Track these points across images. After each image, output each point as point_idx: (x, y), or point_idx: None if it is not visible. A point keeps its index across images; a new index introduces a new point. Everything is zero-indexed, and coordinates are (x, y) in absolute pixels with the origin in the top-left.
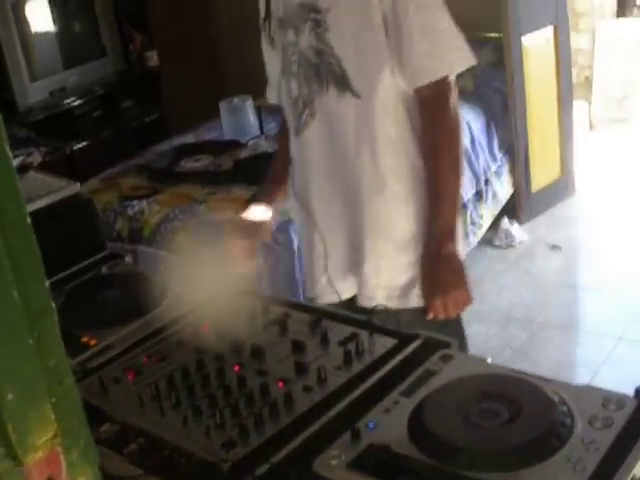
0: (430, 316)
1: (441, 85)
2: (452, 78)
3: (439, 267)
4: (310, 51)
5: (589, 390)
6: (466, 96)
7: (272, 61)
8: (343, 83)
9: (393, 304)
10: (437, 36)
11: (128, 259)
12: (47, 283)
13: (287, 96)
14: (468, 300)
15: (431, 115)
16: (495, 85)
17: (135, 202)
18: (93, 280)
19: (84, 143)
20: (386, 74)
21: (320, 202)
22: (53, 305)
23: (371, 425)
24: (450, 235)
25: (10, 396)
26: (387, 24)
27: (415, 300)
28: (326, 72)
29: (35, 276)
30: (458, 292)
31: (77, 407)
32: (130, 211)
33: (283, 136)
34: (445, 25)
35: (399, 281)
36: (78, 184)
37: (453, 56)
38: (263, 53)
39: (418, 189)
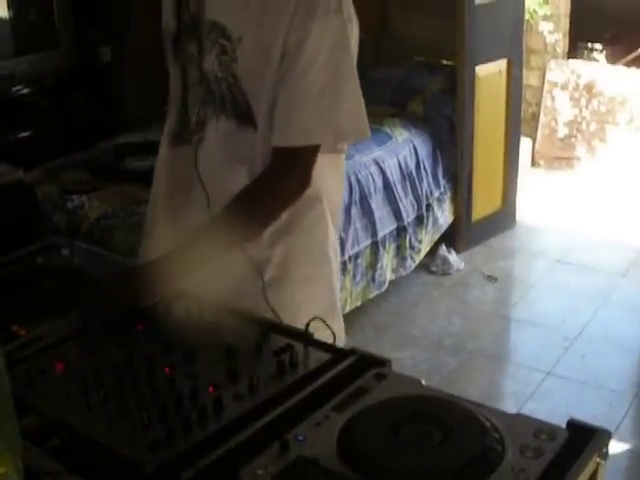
0: None
1: (308, 152)
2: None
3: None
4: (212, 75)
5: (521, 419)
6: (415, 121)
7: (174, 75)
8: (246, 117)
9: None
10: (338, 100)
11: (65, 252)
12: None
13: (179, 107)
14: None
15: (272, 177)
16: (444, 112)
17: (75, 197)
18: (28, 270)
19: (28, 132)
20: None
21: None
22: None
23: (300, 438)
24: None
25: None
26: (283, 66)
27: None
28: (223, 102)
29: None
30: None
31: (5, 393)
32: (70, 205)
33: None
34: (350, 90)
35: None
36: (21, 171)
37: (349, 125)
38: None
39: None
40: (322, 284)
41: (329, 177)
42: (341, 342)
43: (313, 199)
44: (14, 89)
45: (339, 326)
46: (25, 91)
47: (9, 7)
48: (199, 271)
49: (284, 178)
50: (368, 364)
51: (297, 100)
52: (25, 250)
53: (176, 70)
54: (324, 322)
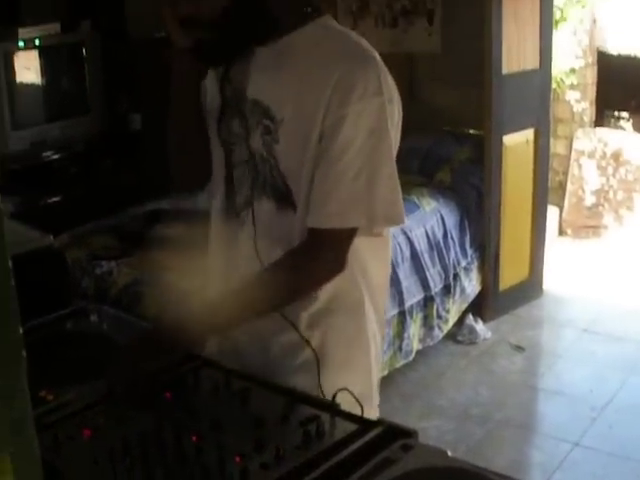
0: None
1: (344, 234)
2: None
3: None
4: (258, 155)
5: None
6: (442, 190)
7: (217, 151)
8: (286, 199)
9: None
10: (373, 185)
11: (94, 318)
12: (21, 330)
13: (224, 185)
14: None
15: (312, 255)
16: (472, 181)
17: (104, 262)
18: (57, 335)
19: (58, 197)
20: None
21: None
22: (24, 354)
23: None
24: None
25: None
26: (320, 149)
27: None
28: (264, 183)
29: (9, 322)
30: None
31: (36, 460)
32: (98, 270)
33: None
34: (386, 174)
35: None
36: (51, 236)
37: (385, 210)
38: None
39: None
40: (359, 370)
41: (370, 260)
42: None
43: (352, 283)
44: (45, 154)
45: (373, 413)
46: (56, 157)
47: (42, 74)
48: (226, 334)
49: (316, 259)
50: (394, 435)
51: (332, 182)
52: (55, 315)
53: (219, 148)
54: (350, 393)
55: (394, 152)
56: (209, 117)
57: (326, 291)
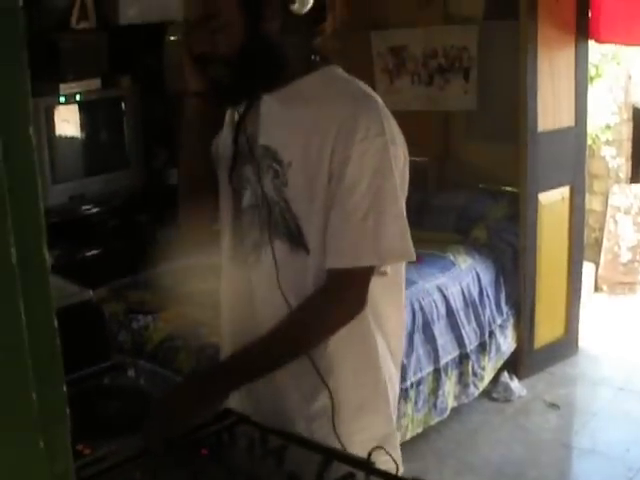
0: None
1: (359, 275)
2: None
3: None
4: (270, 199)
5: None
6: (478, 247)
7: (225, 197)
8: (298, 240)
9: None
10: (379, 223)
11: (130, 372)
12: (65, 388)
13: (231, 229)
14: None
15: (330, 298)
16: (508, 238)
17: (140, 316)
18: (95, 389)
19: (97, 251)
20: None
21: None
22: (68, 411)
23: None
24: (237, 372)
25: None
26: (330, 187)
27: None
28: (277, 225)
29: (55, 379)
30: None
31: None
32: (135, 325)
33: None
34: (393, 213)
35: None
36: (91, 291)
37: (391, 246)
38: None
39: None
40: (377, 413)
41: (383, 304)
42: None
43: (365, 327)
44: (84, 208)
45: (397, 457)
46: (94, 210)
47: (81, 128)
48: (252, 384)
49: (336, 300)
50: None
51: (343, 223)
52: (93, 369)
53: (228, 195)
54: (385, 450)
55: (400, 193)
56: (220, 166)
57: (339, 336)
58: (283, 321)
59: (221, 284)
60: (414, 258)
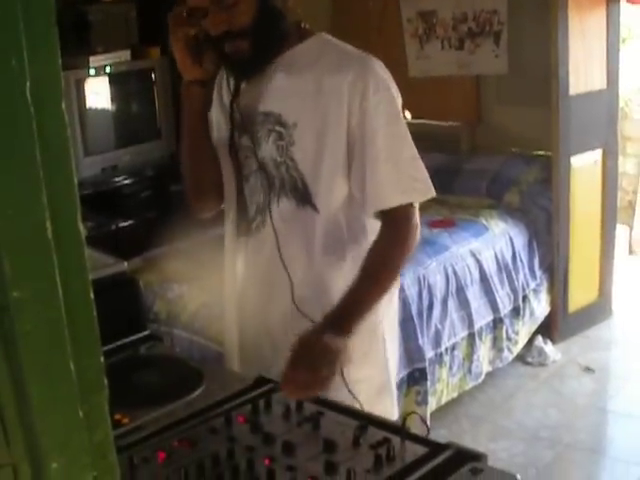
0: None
1: (402, 210)
2: (414, 204)
3: (318, 341)
4: (270, 161)
5: None
6: (511, 211)
7: (227, 166)
8: (304, 198)
9: None
10: (400, 166)
11: (167, 342)
12: (102, 359)
13: (236, 198)
14: (317, 388)
15: (390, 234)
16: (540, 202)
17: (175, 286)
18: (131, 359)
19: (130, 222)
20: (345, 193)
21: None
22: (106, 381)
23: None
24: (351, 317)
25: (55, 465)
26: (351, 147)
27: None
28: (282, 184)
29: (92, 351)
30: (315, 375)
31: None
32: (170, 294)
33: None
34: (409, 156)
35: None
36: (125, 263)
37: (413, 186)
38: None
39: None
40: (376, 363)
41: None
42: (393, 418)
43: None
44: (116, 179)
45: (391, 404)
46: (127, 181)
47: (112, 100)
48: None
49: (403, 231)
50: (464, 458)
51: (368, 170)
52: (129, 340)
53: (229, 166)
54: (422, 420)
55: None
56: (218, 142)
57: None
58: (365, 266)
59: (225, 260)
60: (434, 195)
